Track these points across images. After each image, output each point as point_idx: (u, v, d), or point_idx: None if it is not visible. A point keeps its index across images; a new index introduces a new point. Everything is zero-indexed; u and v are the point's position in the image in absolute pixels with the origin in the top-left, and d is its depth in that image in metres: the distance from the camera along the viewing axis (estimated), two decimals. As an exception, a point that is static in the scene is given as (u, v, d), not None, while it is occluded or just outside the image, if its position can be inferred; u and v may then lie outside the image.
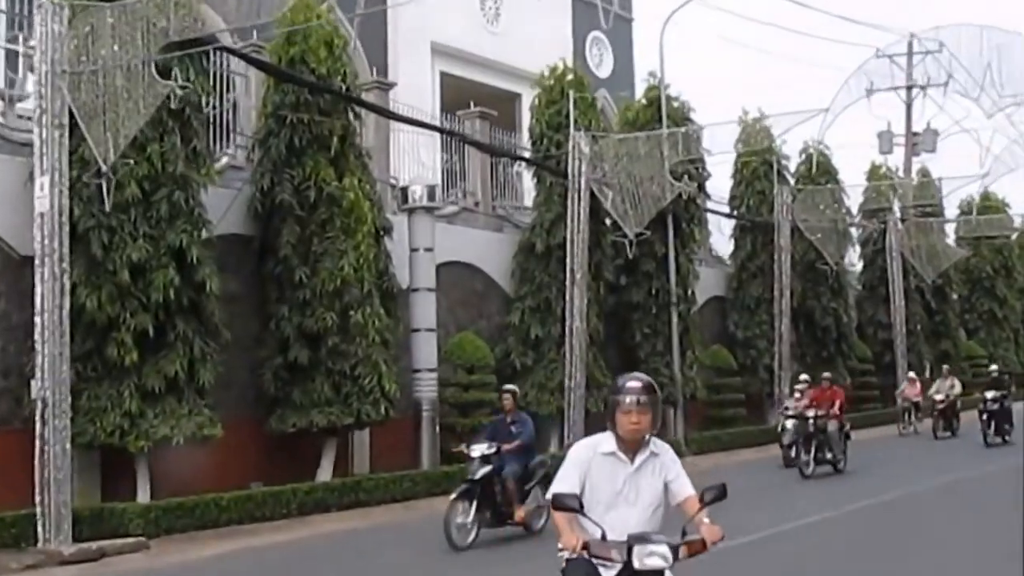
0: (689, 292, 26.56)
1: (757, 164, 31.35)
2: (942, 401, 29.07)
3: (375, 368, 17.93)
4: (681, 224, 26.13)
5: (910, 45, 39.17)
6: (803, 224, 31.36)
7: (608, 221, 24.34)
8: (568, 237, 22.46)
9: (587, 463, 5.27)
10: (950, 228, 44.14)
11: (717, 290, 31.63)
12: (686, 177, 24.51)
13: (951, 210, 43.70)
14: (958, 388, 29.89)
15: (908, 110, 40.12)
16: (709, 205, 32.43)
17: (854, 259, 38.49)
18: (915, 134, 40.12)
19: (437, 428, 20.44)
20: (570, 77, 23.75)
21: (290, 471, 17.66)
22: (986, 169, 33.89)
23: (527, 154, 25.10)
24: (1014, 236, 49.28)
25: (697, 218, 27.32)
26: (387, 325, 18.43)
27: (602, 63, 37.98)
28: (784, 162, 32.05)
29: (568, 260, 22.45)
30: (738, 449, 26.25)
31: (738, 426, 28.14)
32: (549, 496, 5.29)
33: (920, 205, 38.70)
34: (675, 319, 25.71)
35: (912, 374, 32.70)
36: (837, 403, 21.09)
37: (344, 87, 18.33)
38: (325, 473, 18.25)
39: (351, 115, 18.68)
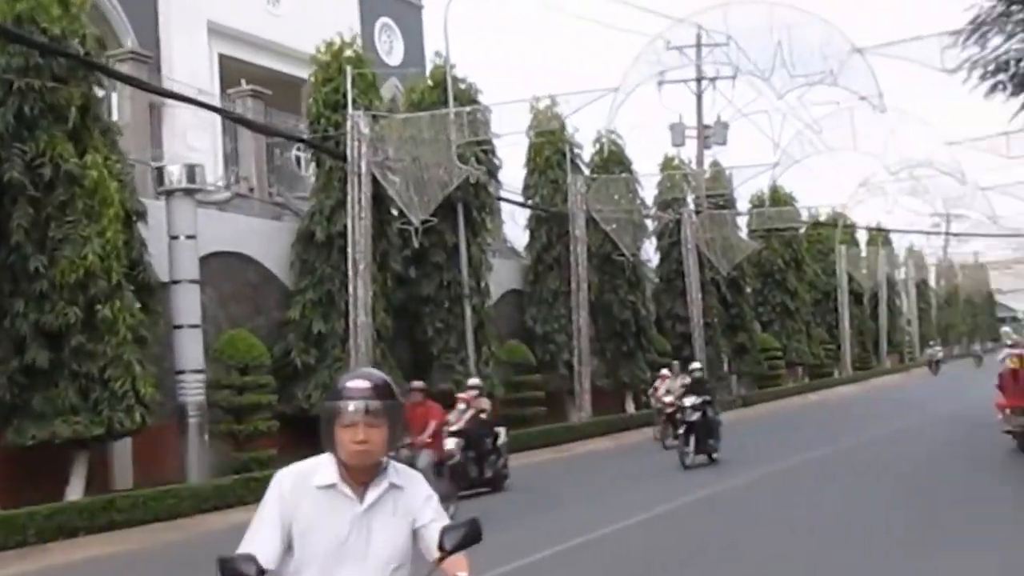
0: (483, 284, 25.25)
1: (550, 153, 30.43)
2: (671, 404, 23.56)
3: (128, 370, 15.88)
4: (472, 213, 24.83)
5: (698, 37, 39.13)
6: (598, 214, 30.60)
7: (396, 210, 22.83)
8: (349, 225, 20.82)
9: (293, 503, 3.46)
10: (743, 221, 44.70)
11: (514, 283, 30.52)
12: (474, 160, 23.22)
13: (743, 203, 44.25)
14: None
15: (698, 102, 40.24)
16: (503, 195, 31.51)
17: (651, 252, 38.19)
18: (706, 127, 40.23)
19: (206, 436, 18.43)
20: (348, 53, 22.10)
21: (35, 491, 15.38)
22: (776, 159, 33.86)
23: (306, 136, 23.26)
24: (803, 229, 50.46)
25: (489, 207, 26.07)
26: (141, 321, 16.43)
27: (392, 50, 36.50)
28: (577, 151, 31.22)
29: (350, 250, 20.79)
30: (538, 449, 25.02)
31: (538, 425, 26.95)
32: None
33: (713, 197, 38.74)
34: (468, 313, 24.36)
35: (665, 371, 27.61)
36: (432, 426, 14.92)
37: (83, 51, 16.15)
38: (75, 491, 16.03)
39: (94, 85, 16.53)
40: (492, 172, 26.26)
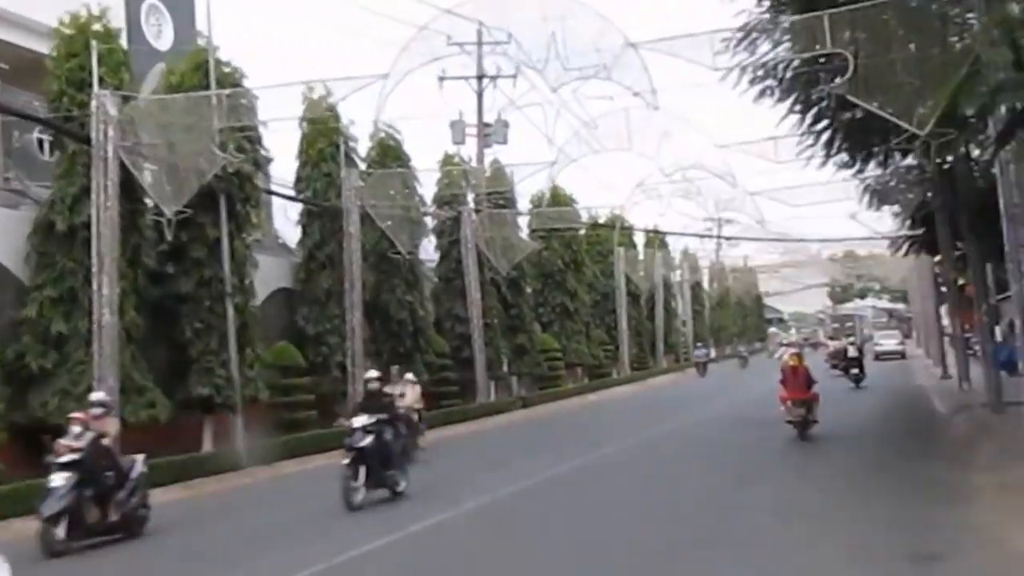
0: (247, 282, 23.55)
1: (324, 145, 29.03)
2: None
3: None
4: (236, 205, 23.10)
5: (479, 34, 38.55)
6: (373, 210, 29.40)
7: (150, 200, 20.99)
8: (93, 215, 18.93)
9: None
10: (524, 221, 44.39)
11: (284, 281, 28.90)
12: (233, 148, 21.59)
13: (524, 203, 43.91)
14: (412, 396, 23.02)
15: (479, 100, 39.60)
16: (274, 188, 29.92)
17: (431, 250, 37.25)
18: (487, 125, 39.63)
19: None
20: (97, 28, 20.12)
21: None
22: (554, 159, 33.43)
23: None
24: (582, 231, 50.64)
25: (255, 199, 24.37)
26: None
27: (161, 34, 34.08)
28: (353, 144, 29.90)
29: (94, 242, 18.89)
30: (309, 455, 23.58)
31: (309, 430, 25.48)
32: None
33: (493, 195, 38.18)
34: (231, 312, 22.63)
35: (410, 376, 25.55)
36: None
37: None
38: None
39: None
40: (258, 162, 24.61)
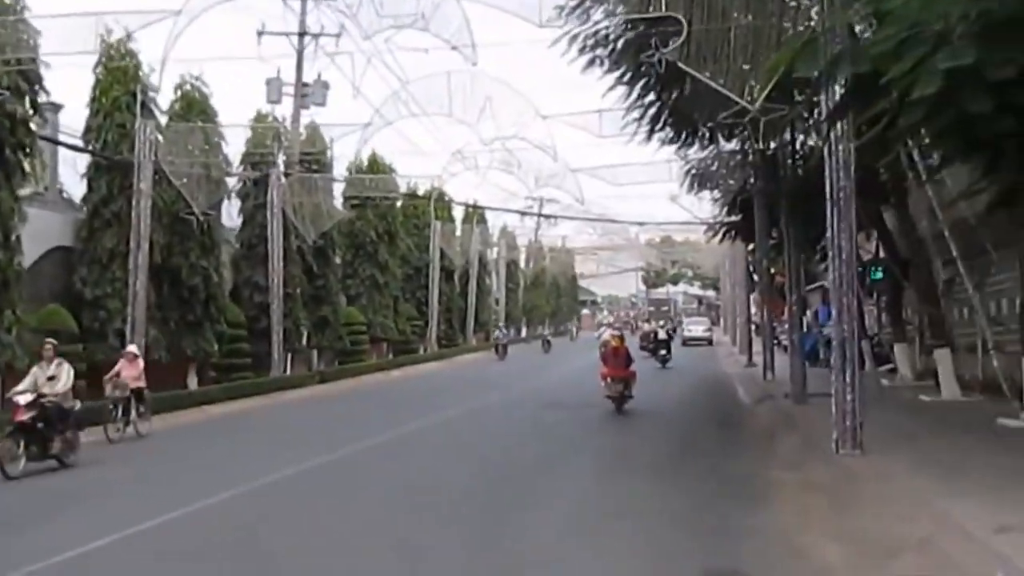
0: (12, 237, 21.29)
1: (120, 94, 26.74)
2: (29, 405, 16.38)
3: None
4: (5, 152, 20.86)
5: (303, -11, 36.69)
6: (170, 167, 27.35)
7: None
8: None
9: None
10: (340, 189, 42.81)
11: (64, 239, 26.55)
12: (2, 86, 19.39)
13: (341, 168, 42.33)
14: (64, 381, 17.36)
15: (299, 59, 37.63)
16: (61, 137, 27.49)
17: (235, 214, 35.25)
18: (305, 85, 37.72)
19: None
20: None
21: None
22: (368, 120, 31.86)
23: None
24: (399, 203, 49.27)
25: (30, 146, 22.02)
26: None
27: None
28: (153, 94, 27.64)
29: None
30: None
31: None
32: None
33: (307, 158, 36.49)
34: (-8, 270, 20.44)
35: (133, 348, 23.19)
36: None
37: None
38: None
39: None
40: (37, 105, 22.28)
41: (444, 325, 56.32)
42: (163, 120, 28.33)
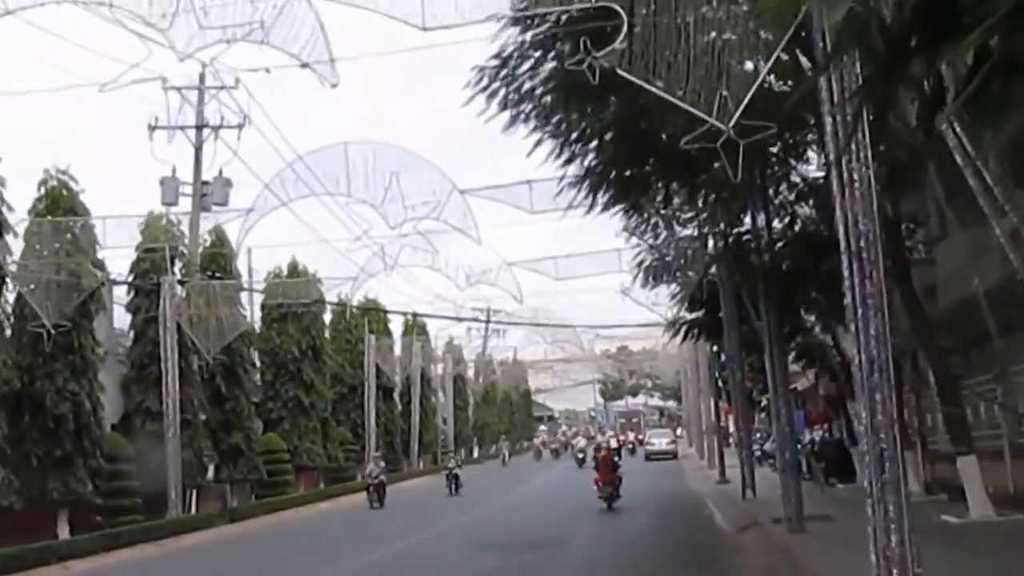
0: None
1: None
2: None
3: None
4: None
5: (202, 77, 32.76)
6: (25, 274, 22.88)
7: None
8: None
9: None
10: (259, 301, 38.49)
11: None
12: None
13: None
14: None
15: (197, 154, 33.46)
16: None
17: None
18: (205, 183, 33.52)
19: None
20: None
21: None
22: (251, 205, 27.49)
23: None
24: (327, 317, 44.93)
25: None
26: None
27: None
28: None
29: None
30: None
31: None
32: None
33: (209, 266, 32.18)
34: None
35: None
36: None
37: None
38: None
39: None
40: None
41: (385, 449, 51.28)
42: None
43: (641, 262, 29.74)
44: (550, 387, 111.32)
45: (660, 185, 16.19)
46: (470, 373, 76.47)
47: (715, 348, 42.77)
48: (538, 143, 15.65)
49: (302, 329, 40.30)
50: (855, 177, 9.64)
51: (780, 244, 22.94)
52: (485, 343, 73.57)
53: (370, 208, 22.61)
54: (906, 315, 23.13)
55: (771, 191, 20.61)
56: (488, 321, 61.06)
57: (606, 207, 16.96)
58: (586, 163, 16.53)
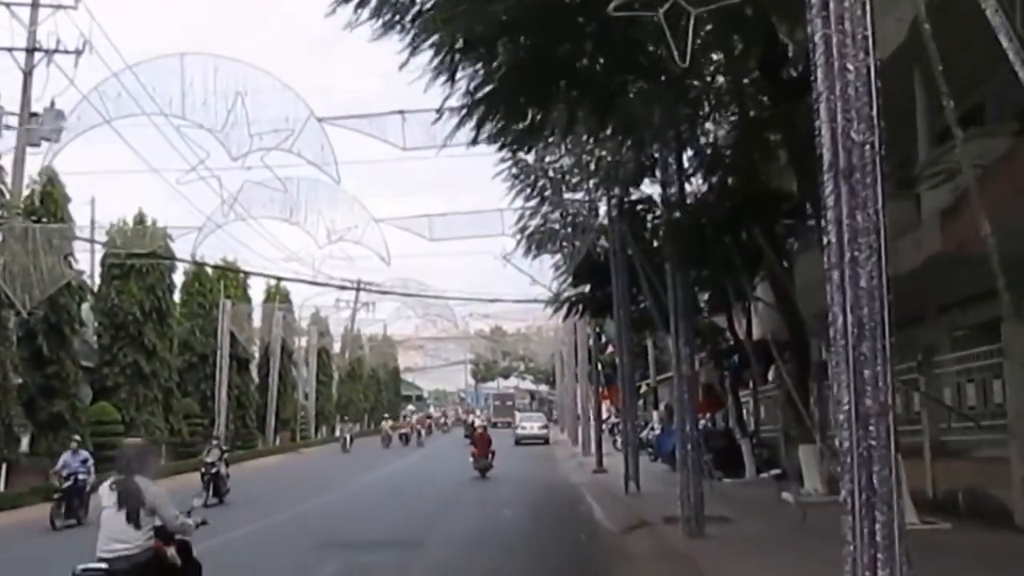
0: None
1: None
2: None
3: None
4: None
5: (36, -8, 28.69)
6: None
7: None
8: None
9: None
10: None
11: None
12: None
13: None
14: None
15: (26, 81, 29.31)
16: None
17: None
18: (34, 115, 29.38)
19: None
20: None
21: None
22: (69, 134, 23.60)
23: None
24: (180, 274, 41.08)
25: None
26: None
27: None
28: None
29: None
30: None
31: None
32: None
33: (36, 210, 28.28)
34: None
35: None
36: None
37: None
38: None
39: None
40: None
41: (238, 423, 47.55)
42: None
43: (524, 228, 27.01)
44: (421, 366, 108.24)
45: (564, 106, 13.12)
46: (336, 347, 72.72)
47: (598, 329, 40.36)
48: (413, 51, 12.46)
49: (146, 288, 36.35)
50: (848, 67, 6.90)
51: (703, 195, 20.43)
52: (354, 315, 69.87)
53: (209, 134, 19.06)
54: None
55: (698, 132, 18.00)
56: (358, 288, 57.38)
57: (496, 136, 13.77)
58: (476, 78, 13.34)
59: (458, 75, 13.20)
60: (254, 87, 17.97)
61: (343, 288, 56.30)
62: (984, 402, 15.72)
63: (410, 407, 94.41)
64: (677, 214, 16.60)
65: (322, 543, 16.83)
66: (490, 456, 33.26)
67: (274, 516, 21.66)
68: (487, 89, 12.79)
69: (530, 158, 24.28)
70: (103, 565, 7.67)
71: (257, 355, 51.67)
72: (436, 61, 12.81)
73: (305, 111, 18.46)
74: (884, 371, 6.68)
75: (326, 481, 32.09)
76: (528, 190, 25.52)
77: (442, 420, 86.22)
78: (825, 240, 6.93)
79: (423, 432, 63.41)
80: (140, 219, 36.38)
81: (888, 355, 6.69)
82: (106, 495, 7.95)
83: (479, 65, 12.67)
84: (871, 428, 6.68)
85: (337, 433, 61.62)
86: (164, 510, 7.94)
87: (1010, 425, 14.17)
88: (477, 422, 40.64)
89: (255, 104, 17.89)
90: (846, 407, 6.75)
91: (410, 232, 28.73)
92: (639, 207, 25.45)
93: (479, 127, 13.58)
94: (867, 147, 6.79)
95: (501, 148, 16.32)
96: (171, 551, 8.14)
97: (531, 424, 62.30)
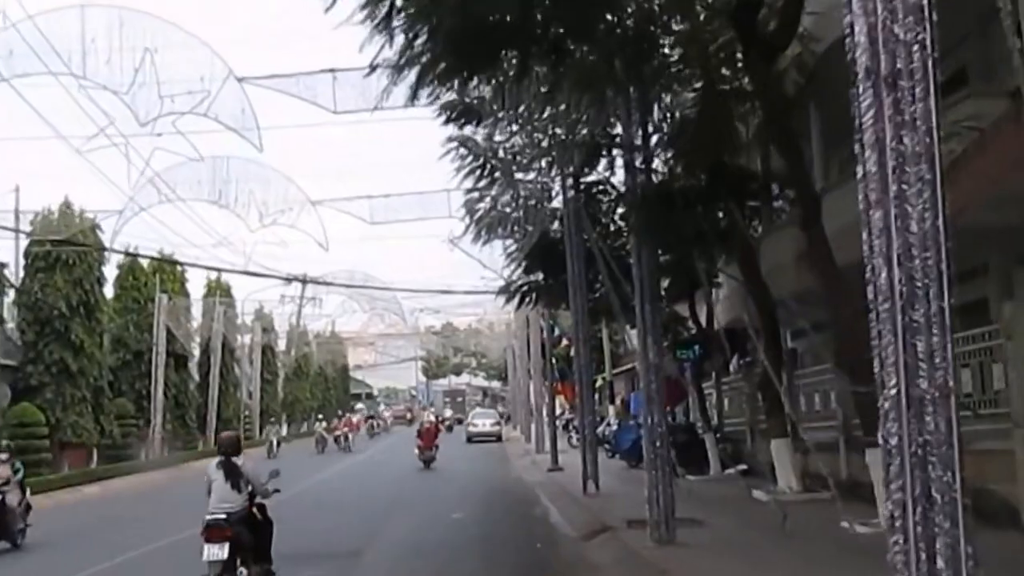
0: None
1: None
2: None
3: None
4: None
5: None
6: None
7: None
8: None
9: None
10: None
11: None
12: None
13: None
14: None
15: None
16: None
17: None
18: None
19: None
20: None
21: None
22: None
23: None
24: (112, 267, 38.92)
25: None
26: None
27: None
28: None
29: None
30: None
31: None
32: None
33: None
34: None
35: None
36: None
37: None
38: None
39: None
40: None
41: (176, 424, 45.40)
42: None
43: (473, 211, 25.30)
44: (371, 363, 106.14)
45: (514, 59, 11.39)
46: (281, 344, 70.42)
47: (551, 321, 38.77)
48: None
49: (73, 281, 34.28)
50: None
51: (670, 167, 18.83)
52: (300, 310, 67.52)
53: (114, 95, 17.11)
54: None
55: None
56: (305, 281, 55.17)
57: (438, 84, 11.94)
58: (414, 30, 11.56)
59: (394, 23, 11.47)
60: (164, 43, 16.03)
61: (289, 280, 53.98)
62: (982, 388, 14.22)
63: (359, 405, 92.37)
64: (642, 179, 14.92)
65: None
66: (434, 448, 35.80)
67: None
68: (426, 41, 11.03)
69: (479, 137, 22.68)
70: (222, 515, 10.62)
71: (197, 352, 49.46)
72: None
73: (223, 70, 16.61)
74: (943, 342, 5.06)
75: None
76: (478, 172, 23.85)
77: (388, 417, 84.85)
78: (860, 171, 5.30)
79: (352, 435, 54.38)
80: (66, 206, 34.28)
81: (948, 322, 5.07)
82: (213, 471, 10.97)
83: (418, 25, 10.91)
84: (927, 419, 5.06)
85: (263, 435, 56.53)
86: (255, 479, 11.16)
87: (1014, 414, 12.70)
88: (430, 419, 39.97)
89: (166, 62, 16.00)
90: (893, 391, 5.12)
91: (351, 215, 26.86)
92: (595, 189, 23.95)
93: (419, 82, 11.83)
94: (915, 47, 5.16)
95: (448, 122, 14.68)
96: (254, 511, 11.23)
97: (483, 421, 60.66)
